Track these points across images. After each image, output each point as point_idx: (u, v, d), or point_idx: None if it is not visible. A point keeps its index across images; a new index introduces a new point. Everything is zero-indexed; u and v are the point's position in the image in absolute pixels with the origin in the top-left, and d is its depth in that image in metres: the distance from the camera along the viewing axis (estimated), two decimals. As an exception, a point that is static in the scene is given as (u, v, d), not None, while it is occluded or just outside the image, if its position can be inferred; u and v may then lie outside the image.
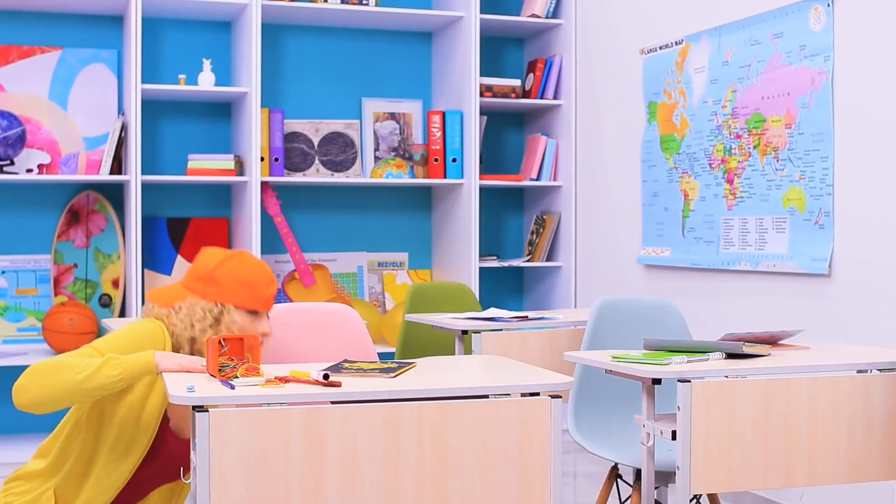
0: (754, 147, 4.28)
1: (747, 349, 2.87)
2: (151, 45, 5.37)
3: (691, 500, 2.79)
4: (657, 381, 2.80)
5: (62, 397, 2.43)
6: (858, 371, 2.88)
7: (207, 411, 2.25)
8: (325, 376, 2.38)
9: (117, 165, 5.11)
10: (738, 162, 4.37)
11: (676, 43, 4.80)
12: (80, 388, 2.42)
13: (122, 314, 5.22)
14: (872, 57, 3.73)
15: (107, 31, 5.34)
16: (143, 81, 5.13)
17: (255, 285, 2.77)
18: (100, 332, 5.18)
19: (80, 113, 5.25)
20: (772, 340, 3.11)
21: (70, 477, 2.64)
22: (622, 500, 3.39)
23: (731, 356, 2.87)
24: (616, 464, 3.30)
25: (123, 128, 5.10)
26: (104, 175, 5.07)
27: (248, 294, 2.76)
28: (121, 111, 5.27)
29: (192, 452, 2.31)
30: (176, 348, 2.70)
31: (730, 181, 4.41)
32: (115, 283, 5.25)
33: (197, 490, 2.25)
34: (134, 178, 4.98)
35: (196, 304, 2.73)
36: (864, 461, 2.81)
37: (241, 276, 2.77)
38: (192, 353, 2.70)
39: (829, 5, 3.90)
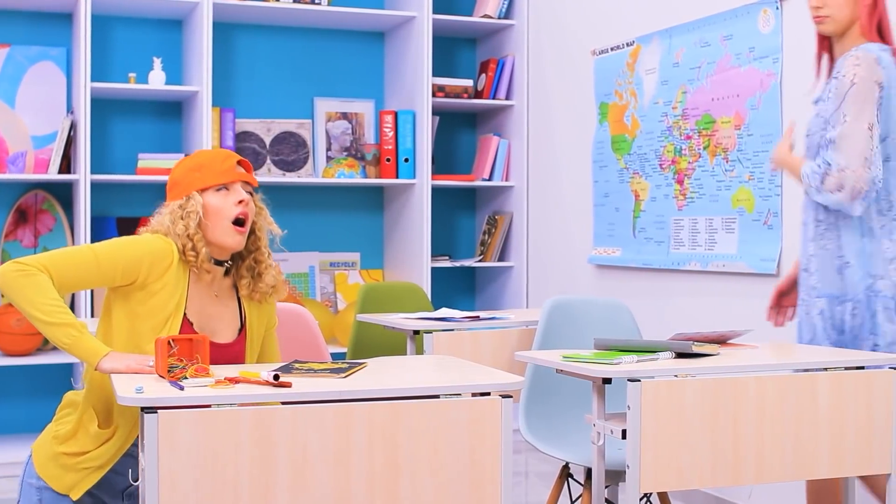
0: (704, 148, 4.31)
1: (697, 349, 2.89)
2: (101, 43, 5.32)
3: (641, 499, 2.80)
4: (607, 381, 2.81)
5: (24, 315, 2.55)
6: (805, 370, 2.91)
7: (156, 412, 2.24)
8: (276, 377, 2.37)
9: (66, 164, 5.06)
10: (689, 163, 4.41)
11: (628, 44, 4.83)
12: (37, 325, 2.53)
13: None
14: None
15: (56, 29, 5.29)
16: (93, 80, 5.08)
17: (208, 164, 2.75)
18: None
19: (28, 111, 5.19)
20: (721, 340, 3.14)
21: (104, 394, 2.68)
22: (573, 500, 3.40)
23: (680, 355, 2.90)
24: (567, 463, 3.31)
25: (72, 127, 5.06)
26: (53, 174, 5.01)
27: (204, 174, 2.73)
28: (70, 110, 5.21)
29: (140, 454, 2.30)
30: (193, 264, 2.68)
31: (680, 182, 4.44)
32: (64, 284, 5.20)
33: (146, 492, 2.24)
34: (83, 177, 4.93)
35: (165, 211, 2.75)
36: (811, 458, 2.84)
37: (193, 163, 2.77)
38: (194, 253, 2.67)
39: (777, 8, 3.94)
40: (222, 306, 2.77)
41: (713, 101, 4.27)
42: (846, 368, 2.90)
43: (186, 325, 2.68)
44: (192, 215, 2.69)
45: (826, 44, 3.21)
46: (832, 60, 3.19)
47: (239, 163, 2.78)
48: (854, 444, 2.88)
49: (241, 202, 2.71)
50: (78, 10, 5.00)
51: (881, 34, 3.12)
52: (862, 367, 2.92)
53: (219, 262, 2.75)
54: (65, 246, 5.17)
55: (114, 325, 2.69)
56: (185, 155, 5.24)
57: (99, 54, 5.29)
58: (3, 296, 2.49)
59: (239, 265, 2.80)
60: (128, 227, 5.33)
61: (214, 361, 2.60)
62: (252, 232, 2.78)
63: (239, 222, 2.71)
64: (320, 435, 2.34)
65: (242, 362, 2.77)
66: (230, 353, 2.75)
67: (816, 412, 2.84)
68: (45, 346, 5.16)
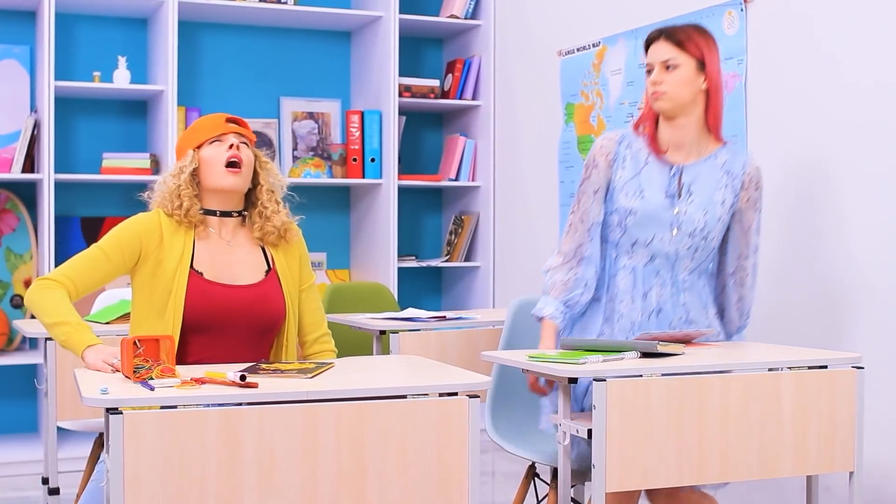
0: (669, 149, 4.33)
1: (662, 348, 2.91)
2: (65, 41, 5.28)
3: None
4: (573, 381, 2.82)
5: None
6: (770, 369, 2.93)
7: (121, 413, 2.23)
8: (242, 377, 2.37)
9: (30, 164, 5.02)
10: (654, 163, 4.42)
11: (593, 45, 4.85)
12: (46, 328, 2.77)
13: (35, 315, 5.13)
14: (784, 60, 3.80)
15: (19, 27, 5.25)
16: (57, 78, 5.04)
17: (200, 124, 3.01)
18: (11, 333, 5.09)
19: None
20: (686, 339, 3.15)
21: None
22: (539, 499, 3.41)
23: (646, 355, 2.91)
24: (533, 462, 3.32)
25: (36, 125, 5.02)
26: (16, 174, 4.97)
27: (197, 133, 2.99)
28: (33, 108, 5.17)
29: (105, 455, 2.28)
30: (183, 220, 2.91)
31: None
32: (28, 284, 5.16)
33: (111, 493, 2.22)
34: (47, 176, 4.90)
35: (167, 174, 3.00)
36: (775, 457, 2.86)
37: (189, 128, 3.04)
38: (179, 206, 2.91)
39: (741, 10, 3.96)
40: (243, 253, 2.97)
41: (678, 102, 4.28)
42: (809, 368, 2.93)
43: (195, 276, 2.87)
44: (185, 169, 2.92)
45: (653, 119, 3.18)
46: (658, 140, 3.17)
47: (231, 120, 3.02)
48: (817, 442, 2.90)
49: (231, 146, 2.94)
50: (42, 7, 4.97)
51: (716, 131, 3.16)
52: (825, 367, 2.94)
53: (226, 213, 2.97)
54: (28, 246, 5.13)
55: (136, 306, 2.91)
56: (151, 154, 5.22)
57: (63, 53, 5.25)
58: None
59: (251, 213, 3.01)
60: (92, 226, 5.30)
61: (242, 301, 2.87)
62: (256, 182, 3.02)
63: (231, 164, 2.93)
64: (287, 435, 2.33)
65: (279, 302, 2.95)
66: (258, 292, 2.92)
67: (780, 411, 2.87)
68: (8, 346, 5.12)
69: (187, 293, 2.84)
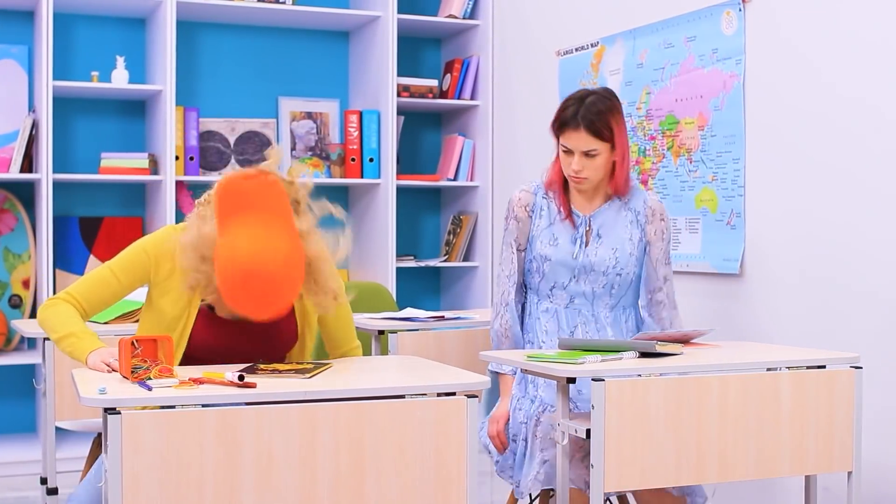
0: (668, 149, 4.34)
1: (660, 348, 2.91)
2: (63, 41, 5.28)
3: (606, 501, 2.82)
4: (571, 380, 2.82)
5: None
6: (768, 369, 2.93)
7: (119, 413, 2.23)
8: (240, 377, 2.37)
9: (28, 163, 5.02)
10: (653, 163, 4.43)
11: (592, 45, 4.85)
12: (56, 345, 2.73)
13: (34, 315, 5.13)
14: (782, 60, 3.80)
15: (17, 27, 5.24)
16: (55, 78, 5.04)
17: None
18: (10, 333, 5.09)
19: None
20: (684, 339, 3.16)
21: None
22: (532, 499, 3.41)
23: (644, 355, 2.91)
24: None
25: (34, 125, 5.02)
26: (14, 173, 4.97)
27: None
28: (32, 108, 5.17)
29: (103, 455, 2.28)
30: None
31: (644, 182, 4.46)
32: (26, 284, 5.16)
33: (109, 493, 2.22)
34: (45, 176, 4.89)
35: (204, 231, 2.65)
36: (773, 457, 2.86)
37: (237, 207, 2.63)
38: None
39: (740, 10, 3.96)
40: None
41: (677, 101, 4.29)
42: (808, 367, 2.93)
43: (204, 312, 2.78)
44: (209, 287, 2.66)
45: (561, 183, 3.37)
46: (563, 200, 3.36)
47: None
48: (816, 442, 2.90)
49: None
50: (40, 7, 4.96)
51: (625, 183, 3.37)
52: (823, 367, 2.94)
53: None
54: (27, 246, 5.13)
55: (143, 321, 2.86)
56: (149, 154, 5.21)
57: (61, 52, 5.25)
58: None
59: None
60: (90, 226, 5.30)
61: (253, 335, 2.77)
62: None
63: None
64: (285, 435, 2.33)
65: (290, 335, 2.85)
66: (269, 327, 2.78)
67: (779, 411, 2.87)
68: (6, 346, 5.12)
69: (195, 329, 2.77)
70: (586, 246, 3.31)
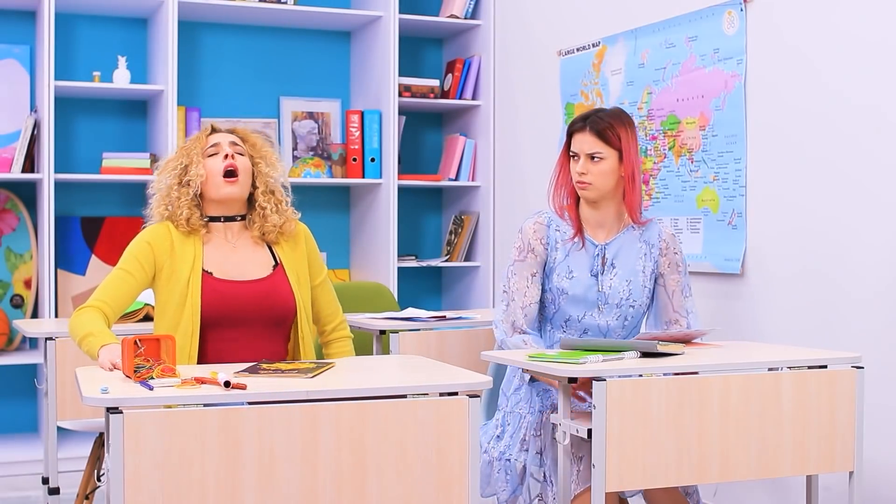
0: (669, 148, 4.34)
1: (662, 348, 2.91)
2: (65, 41, 5.28)
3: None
4: (573, 380, 2.82)
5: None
6: (769, 369, 2.94)
7: (122, 413, 2.23)
8: (227, 384, 2.35)
9: (29, 163, 5.02)
10: (654, 163, 4.43)
11: (593, 45, 4.85)
12: (79, 347, 2.86)
13: (35, 315, 5.14)
14: (783, 60, 3.81)
15: (19, 27, 5.25)
16: (57, 78, 5.04)
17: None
18: (11, 333, 5.09)
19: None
20: (685, 339, 3.16)
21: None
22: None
23: (645, 355, 2.91)
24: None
25: (36, 125, 5.02)
26: (16, 173, 4.98)
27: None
28: (33, 108, 5.17)
29: (106, 454, 2.29)
30: (186, 228, 3.07)
31: (645, 182, 4.46)
32: (28, 284, 5.16)
33: (111, 492, 2.23)
34: (47, 176, 4.90)
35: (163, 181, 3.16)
36: (775, 457, 2.87)
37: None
38: (190, 221, 3.07)
39: (741, 10, 3.96)
40: (248, 252, 3.11)
41: (678, 101, 4.29)
42: (809, 367, 2.93)
43: (207, 276, 3.02)
44: (191, 183, 3.07)
45: (574, 202, 3.37)
46: (580, 223, 3.34)
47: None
48: (817, 442, 2.90)
49: (226, 156, 3.08)
50: (42, 7, 4.97)
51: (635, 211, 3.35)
52: (825, 366, 2.94)
53: (230, 218, 3.12)
54: (28, 246, 5.13)
55: (158, 309, 3.06)
56: (150, 154, 5.22)
57: (63, 52, 5.25)
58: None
59: (252, 214, 3.14)
60: (92, 226, 5.30)
61: (252, 295, 3.03)
62: (254, 184, 3.15)
63: (228, 174, 3.07)
64: (287, 435, 2.34)
65: (287, 294, 3.08)
66: (266, 286, 3.07)
67: (780, 411, 2.87)
68: (8, 346, 5.12)
69: (202, 293, 3.00)
70: (602, 274, 3.30)
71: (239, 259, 3.10)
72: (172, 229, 3.07)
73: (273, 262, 3.13)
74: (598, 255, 3.30)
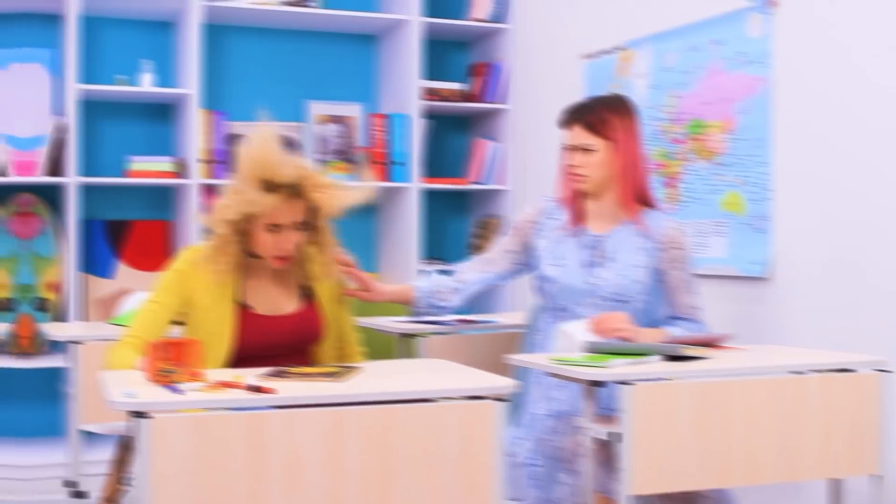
0: (694, 152, 4.32)
1: (686, 352, 2.90)
2: (90, 44, 5.31)
3: None
4: (598, 384, 2.82)
5: None
6: (794, 373, 2.92)
7: (150, 418, 2.23)
8: (255, 388, 2.36)
9: (54, 167, 5.05)
10: (679, 167, 4.41)
11: (618, 49, 4.84)
12: None
13: (59, 319, 5.16)
14: (809, 64, 3.79)
15: (44, 30, 5.27)
16: (82, 82, 5.06)
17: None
18: (37, 336, 5.10)
19: (14, 113, 5.15)
20: (708, 343, 3.15)
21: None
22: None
23: (670, 358, 2.90)
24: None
25: (61, 129, 5.04)
26: (41, 177, 5.00)
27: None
28: (58, 112, 5.20)
29: (131, 458, 2.29)
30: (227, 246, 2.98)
31: (671, 186, 4.45)
32: (54, 287, 5.19)
33: (138, 497, 2.23)
34: (72, 180, 4.92)
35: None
36: (800, 460, 2.85)
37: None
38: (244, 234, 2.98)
39: (767, 13, 3.95)
40: (282, 280, 3.08)
41: (703, 105, 4.28)
42: (834, 371, 2.92)
43: (242, 309, 2.99)
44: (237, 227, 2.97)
45: (574, 194, 3.38)
46: (579, 213, 3.36)
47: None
48: (842, 445, 2.89)
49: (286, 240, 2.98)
50: (66, 11, 4.99)
51: (644, 199, 3.34)
52: (850, 370, 2.93)
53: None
54: (54, 250, 5.16)
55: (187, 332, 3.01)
56: (176, 158, 5.23)
57: (88, 56, 5.28)
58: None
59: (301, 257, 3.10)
60: (117, 229, 5.33)
61: (287, 330, 3.01)
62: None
63: (280, 258, 3.00)
64: (314, 439, 2.34)
65: (318, 326, 3.08)
66: (300, 320, 3.06)
67: (805, 414, 2.86)
68: (34, 350, 5.14)
69: (237, 327, 2.98)
70: (595, 266, 3.28)
71: (272, 289, 3.07)
72: (197, 257, 3.03)
73: (302, 293, 3.12)
74: (592, 246, 3.29)
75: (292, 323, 3.04)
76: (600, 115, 3.28)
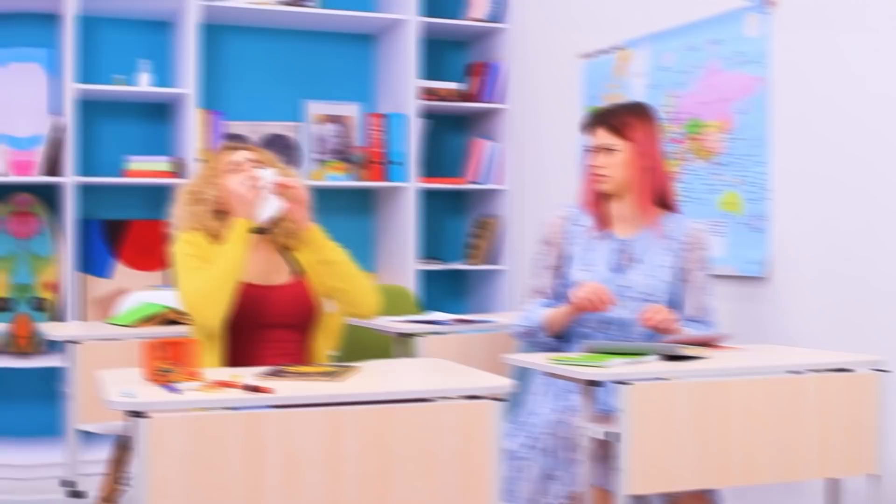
0: (692, 152, 4.33)
1: (683, 351, 2.90)
2: (87, 44, 5.30)
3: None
4: (596, 383, 2.82)
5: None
6: (792, 372, 2.92)
7: (148, 417, 2.23)
8: (253, 387, 2.36)
9: (52, 167, 5.04)
10: (677, 166, 4.41)
11: (616, 48, 4.84)
12: (228, 273, 3.01)
13: (57, 318, 5.15)
14: (807, 64, 3.79)
15: (41, 30, 5.26)
16: (79, 82, 5.06)
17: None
18: (35, 336, 5.10)
19: (12, 113, 5.15)
20: (706, 342, 3.15)
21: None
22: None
23: (667, 358, 2.90)
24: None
25: (59, 129, 5.04)
26: (39, 176, 5.00)
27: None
28: (55, 112, 5.19)
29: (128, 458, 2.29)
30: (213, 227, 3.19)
31: (668, 185, 4.45)
32: (51, 287, 5.18)
33: (140, 496, 2.23)
34: (69, 179, 4.91)
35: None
36: (798, 460, 2.85)
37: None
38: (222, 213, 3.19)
39: (765, 13, 3.95)
40: (268, 256, 3.20)
41: (701, 105, 4.28)
42: (832, 370, 2.92)
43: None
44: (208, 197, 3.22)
45: (597, 197, 3.39)
46: (603, 217, 3.38)
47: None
48: (840, 445, 2.89)
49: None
50: (64, 11, 4.99)
51: (665, 202, 3.38)
52: (848, 370, 2.93)
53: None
54: (51, 250, 5.15)
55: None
56: (173, 157, 5.24)
57: (85, 56, 5.27)
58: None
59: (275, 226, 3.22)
60: (115, 229, 5.32)
61: (279, 300, 3.09)
62: None
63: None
64: (312, 439, 2.34)
65: (309, 300, 3.18)
66: (290, 291, 3.16)
67: (803, 414, 2.86)
68: (31, 349, 5.13)
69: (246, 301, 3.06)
70: (623, 270, 3.31)
71: (263, 265, 3.17)
72: (198, 239, 3.16)
73: (292, 269, 3.22)
74: (619, 249, 3.32)
75: (285, 293, 3.14)
76: (622, 118, 3.33)
